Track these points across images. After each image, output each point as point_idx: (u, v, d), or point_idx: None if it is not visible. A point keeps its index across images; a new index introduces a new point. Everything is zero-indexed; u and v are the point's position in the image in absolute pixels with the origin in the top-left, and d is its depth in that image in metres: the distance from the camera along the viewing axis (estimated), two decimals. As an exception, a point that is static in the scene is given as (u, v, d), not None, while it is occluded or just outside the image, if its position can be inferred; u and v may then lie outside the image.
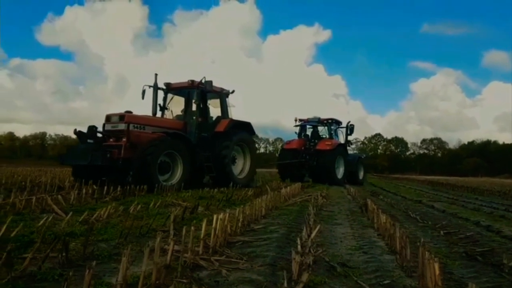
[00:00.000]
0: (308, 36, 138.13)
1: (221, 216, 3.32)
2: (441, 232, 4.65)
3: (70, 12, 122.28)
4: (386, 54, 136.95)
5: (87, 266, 1.85)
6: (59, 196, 5.67)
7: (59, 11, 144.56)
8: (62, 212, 4.70)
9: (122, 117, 8.97)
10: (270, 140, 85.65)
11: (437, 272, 1.98)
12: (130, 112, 9.36)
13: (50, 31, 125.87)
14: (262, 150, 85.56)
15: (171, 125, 10.28)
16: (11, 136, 70.18)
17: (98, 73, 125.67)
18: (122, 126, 8.82)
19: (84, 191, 6.24)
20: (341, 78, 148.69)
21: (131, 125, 8.80)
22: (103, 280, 2.36)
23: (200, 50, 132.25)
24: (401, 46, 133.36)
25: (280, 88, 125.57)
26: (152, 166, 8.31)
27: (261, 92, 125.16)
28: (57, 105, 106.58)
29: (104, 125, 9.16)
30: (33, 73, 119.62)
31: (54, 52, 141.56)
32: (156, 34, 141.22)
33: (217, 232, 3.20)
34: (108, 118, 9.17)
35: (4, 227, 3.19)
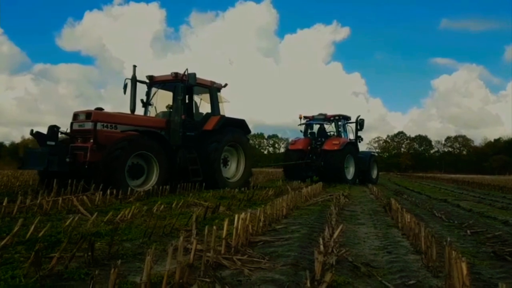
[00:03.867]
0: (326, 34, 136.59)
1: (242, 216, 3.33)
2: (468, 232, 4.54)
3: (90, 17, 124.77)
4: (406, 51, 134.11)
5: (112, 265, 1.88)
6: (85, 197, 5.80)
7: (79, 16, 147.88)
8: (87, 213, 4.81)
9: (89, 114, 7.85)
10: (290, 139, 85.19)
11: (465, 272, 1.93)
12: (101, 109, 8.34)
13: (70, 37, 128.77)
14: (282, 150, 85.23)
15: (149, 123, 9.06)
16: (38, 139, 72.23)
17: (118, 77, 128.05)
18: (89, 125, 7.73)
19: (108, 192, 6.36)
20: (360, 76, 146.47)
21: (99, 124, 7.75)
22: (127, 279, 2.39)
23: (217, 51, 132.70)
24: (420, 42, 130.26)
25: (299, 87, 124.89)
26: (119, 170, 7.28)
27: (279, 92, 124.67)
28: (80, 108, 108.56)
29: (71, 124, 8.05)
30: (56, 77, 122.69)
31: (75, 57, 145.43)
32: (174, 36, 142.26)
33: (238, 231, 3.20)
34: (75, 116, 8.06)
35: (32, 227, 3.29)
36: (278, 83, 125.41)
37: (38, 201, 5.08)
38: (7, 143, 71.03)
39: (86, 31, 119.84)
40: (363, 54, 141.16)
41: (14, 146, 69.64)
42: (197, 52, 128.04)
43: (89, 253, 2.66)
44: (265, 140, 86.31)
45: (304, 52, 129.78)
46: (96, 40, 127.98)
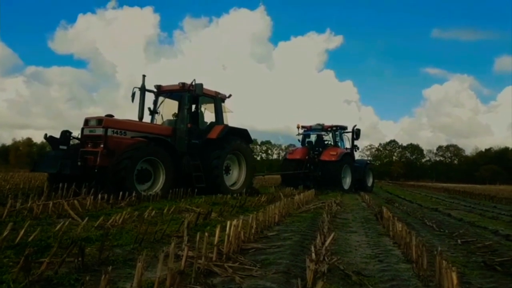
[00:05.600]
0: (319, 42, 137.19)
1: (234, 222, 3.32)
2: (459, 241, 4.56)
3: (83, 20, 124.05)
4: (398, 60, 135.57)
5: (103, 271, 1.87)
6: (75, 201, 5.74)
7: (72, 19, 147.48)
8: (78, 217, 4.77)
9: (100, 121, 8.16)
10: (283, 146, 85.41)
11: (455, 281, 1.94)
12: (111, 115, 8.66)
13: (63, 39, 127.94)
14: (275, 156, 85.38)
15: (156, 131, 9.44)
16: (29, 142, 71.45)
17: (111, 80, 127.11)
18: (100, 131, 8.03)
19: (99, 196, 6.31)
20: (353, 84, 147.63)
21: (110, 130, 8.06)
22: (118, 286, 2.38)
23: (211, 56, 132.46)
24: (412, 52, 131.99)
25: (291, 94, 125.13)
26: (128, 175, 7.58)
27: (272, 98, 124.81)
28: (72, 111, 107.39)
29: (82, 129, 8.37)
30: (48, 80, 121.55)
31: (68, 60, 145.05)
32: (168, 41, 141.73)
33: (230, 238, 3.19)
34: (87, 121, 8.38)
35: (22, 231, 3.25)
36: (271, 90, 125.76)
37: (29, 205, 5.02)
38: (-2, 145, 70.37)
39: (79, 34, 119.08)
40: (356, 62, 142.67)
41: (5, 148, 69.03)
42: (190, 57, 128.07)
43: (80, 259, 2.64)
44: (258, 146, 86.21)
45: (297, 59, 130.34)
46: (89, 43, 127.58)
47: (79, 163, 7.74)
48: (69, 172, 7.63)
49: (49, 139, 8.23)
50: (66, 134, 8.30)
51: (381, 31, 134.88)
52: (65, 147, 8.18)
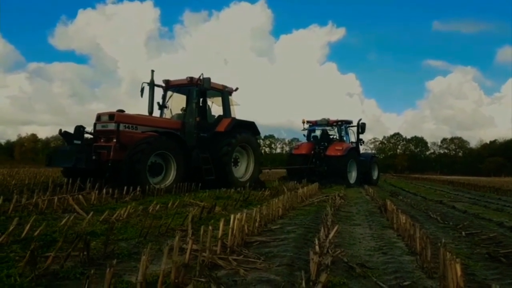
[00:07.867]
0: (321, 35, 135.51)
1: (238, 216, 3.33)
2: (463, 233, 4.56)
3: (83, 15, 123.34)
4: (401, 52, 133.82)
5: (108, 264, 1.88)
6: (80, 196, 5.78)
7: (72, 15, 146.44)
8: (83, 212, 4.80)
9: (112, 116, 8.45)
10: (287, 140, 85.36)
11: (459, 273, 1.94)
12: (122, 111, 8.90)
13: (64, 35, 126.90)
14: (278, 150, 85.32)
15: (166, 125, 9.67)
16: (34, 138, 71.72)
17: (112, 76, 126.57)
18: (112, 126, 8.30)
19: (104, 191, 6.34)
20: (355, 76, 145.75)
21: (122, 125, 8.31)
22: (123, 279, 2.39)
23: (212, 51, 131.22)
24: (414, 44, 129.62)
25: (293, 87, 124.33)
26: (142, 168, 7.81)
27: (274, 92, 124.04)
28: (75, 107, 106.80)
29: (95, 124, 8.64)
30: (50, 76, 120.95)
31: (70, 56, 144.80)
32: (168, 35, 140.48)
33: (234, 232, 3.21)
34: (99, 117, 8.68)
35: (28, 226, 3.28)
36: (273, 83, 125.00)
37: (34, 200, 5.06)
38: (2, 141, 70.78)
39: (79, 30, 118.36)
40: (358, 55, 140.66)
41: (9, 145, 69.38)
42: (191, 52, 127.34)
43: (85, 253, 2.66)
44: (261, 141, 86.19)
45: (299, 52, 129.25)
46: (90, 39, 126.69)
47: (93, 157, 7.91)
48: (84, 166, 7.80)
49: (64, 134, 8.49)
50: (80, 129, 8.50)
51: (383, 24, 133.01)
52: (79, 142, 8.37)
